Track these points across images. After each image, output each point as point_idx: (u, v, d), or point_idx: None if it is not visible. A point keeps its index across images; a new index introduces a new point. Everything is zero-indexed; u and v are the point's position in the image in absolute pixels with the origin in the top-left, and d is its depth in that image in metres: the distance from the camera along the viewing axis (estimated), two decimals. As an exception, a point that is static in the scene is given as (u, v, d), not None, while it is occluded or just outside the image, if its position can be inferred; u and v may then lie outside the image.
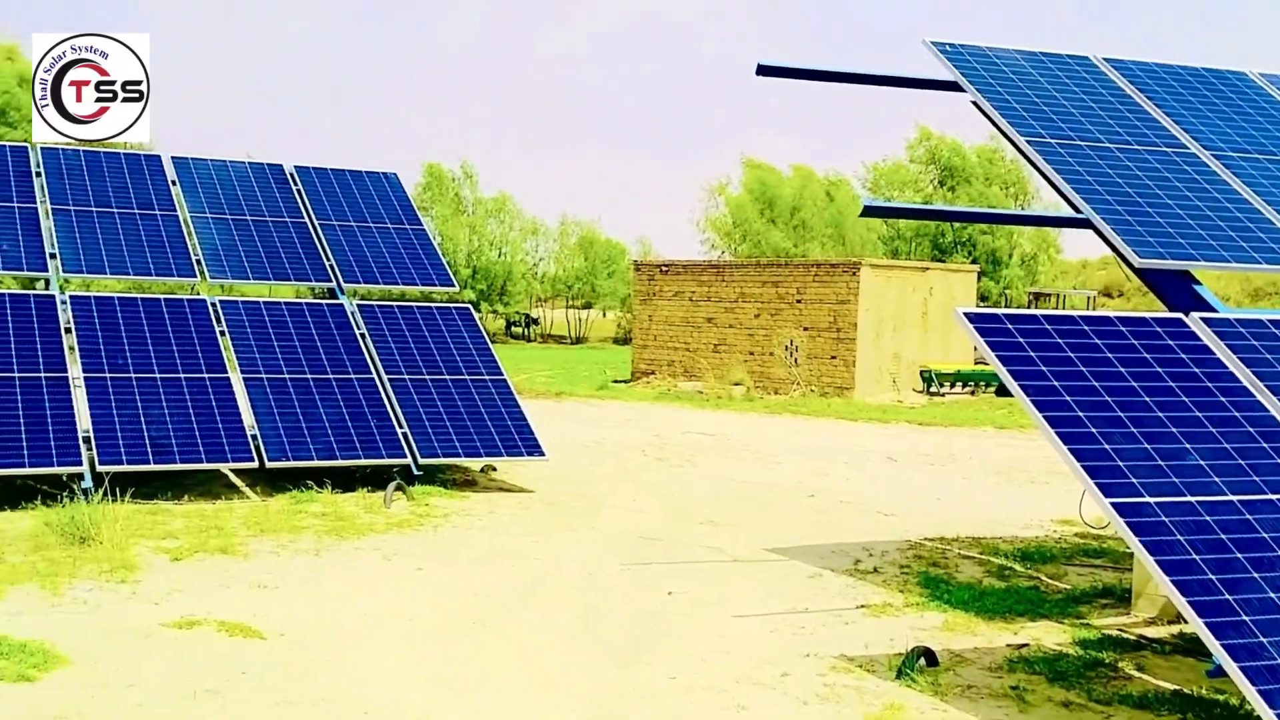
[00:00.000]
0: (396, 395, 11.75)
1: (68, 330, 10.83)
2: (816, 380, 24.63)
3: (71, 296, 11.25)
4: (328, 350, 11.94)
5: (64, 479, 9.74)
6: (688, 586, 8.16)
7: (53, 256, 11.54)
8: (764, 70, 7.89)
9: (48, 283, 11.38)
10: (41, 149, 12.81)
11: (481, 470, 12.39)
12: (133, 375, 10.76)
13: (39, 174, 12.32)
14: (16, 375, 10.26)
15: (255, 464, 10.48)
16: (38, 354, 10.52)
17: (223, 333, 11.61)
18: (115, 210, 12.36)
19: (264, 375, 11.35)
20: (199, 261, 12.27)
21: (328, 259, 13.01)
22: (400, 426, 11.40)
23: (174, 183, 13.04)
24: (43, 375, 10.34)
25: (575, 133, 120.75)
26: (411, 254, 13.60)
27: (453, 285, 13.63)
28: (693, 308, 26.37)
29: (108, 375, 10.64)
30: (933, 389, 25.77)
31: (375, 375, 11.88)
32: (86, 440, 9.96)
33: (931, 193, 50.43)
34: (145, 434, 10.23)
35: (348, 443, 11.01)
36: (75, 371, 10.56)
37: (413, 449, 11.25)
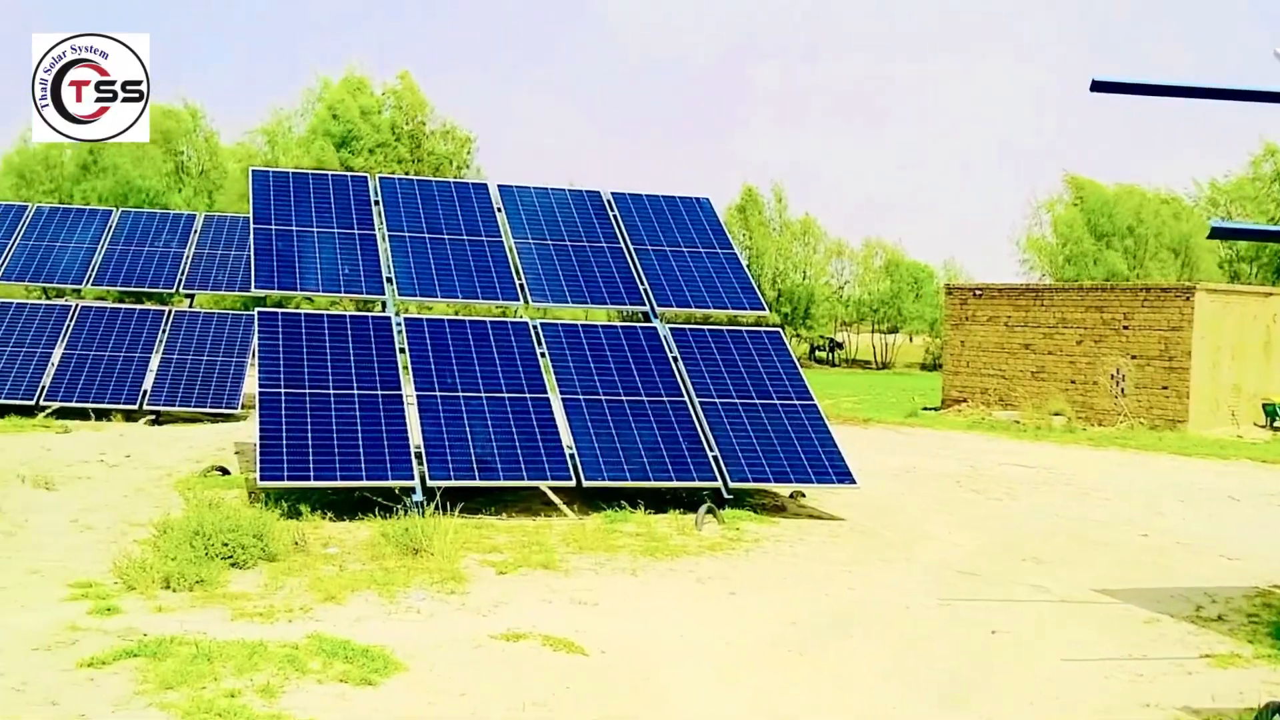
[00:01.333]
0: (707, 418, 11.76)
1: (402, 351, 11.52)
2: (1145, 412, 22.88)
3: (406, 319, 11.97)
4: (641, 373, 12.12)
5: (396, 492, 10.32)
6: (1011, 626, 7.66)
7: (389, 280, 12.33)
8: (1099, 86, 7.36)
9: (384, 305, 12.17)
10: (380, 179, 13.77)
11: (790, 496, 12.20)
12: (460, 394, 11.30)
13: (377, 202, 13.24)
14: (355, 393, 11.00)
15: (572, 482, 10.74)
16: (375, 373, 11.25)
17: (543, 354, 12.02)
18: (445, 236, 13.09)
19: (581, 396, 11.65)
20: (522, 286, 12.77)
21: (642, 283, 13.24)
22: (711, 450, 11.39)
23: (499, 209, 13.67)
24: (379, 393, 11.04)
25: (875, 154, 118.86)
26: (723, 278, 13.64)
27: (764, 309, 13.55)
28: (1008, 333, 25.16)
29: (438, 394, 11.23)
30: (1276, 424, 23.39)
31: (687, 398, 11.95)
32: (418, 456, 10.53)
33: (1277, 212, 46.09)
34: (471, 451, 10.71)
35: (660, 464, 11.11)
36: (408, 390, 11.20)
37: (723, 473, 11.21)
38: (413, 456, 10.49)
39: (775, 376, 12.55)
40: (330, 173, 13.75)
